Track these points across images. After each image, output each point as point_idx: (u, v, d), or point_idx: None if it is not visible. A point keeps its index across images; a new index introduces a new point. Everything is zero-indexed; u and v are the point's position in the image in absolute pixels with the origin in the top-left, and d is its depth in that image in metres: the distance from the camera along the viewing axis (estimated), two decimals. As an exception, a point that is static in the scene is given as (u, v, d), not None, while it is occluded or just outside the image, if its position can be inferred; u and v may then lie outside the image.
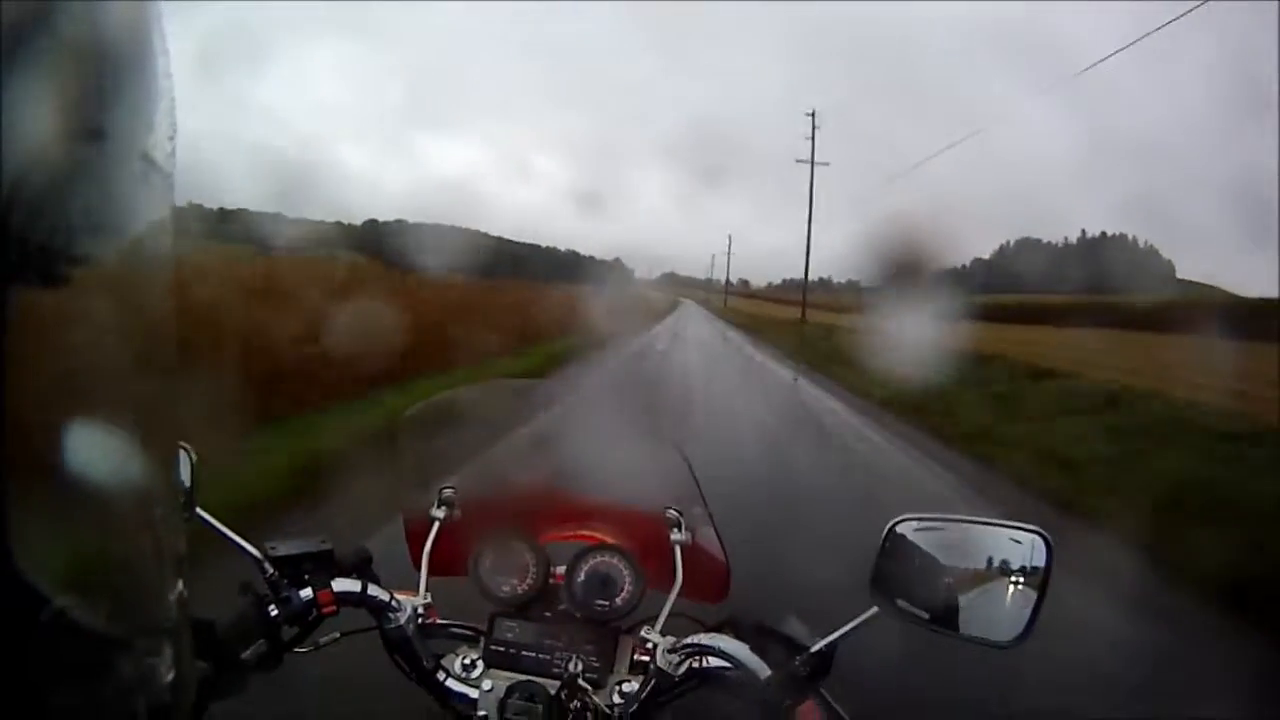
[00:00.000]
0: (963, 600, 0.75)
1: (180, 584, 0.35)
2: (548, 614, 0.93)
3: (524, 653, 0.90)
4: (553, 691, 0.83)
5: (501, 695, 0.84)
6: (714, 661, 0.81)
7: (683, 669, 0.82)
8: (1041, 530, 0.74)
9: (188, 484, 0.84)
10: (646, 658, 0.86)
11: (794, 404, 9.97)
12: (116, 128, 0.31)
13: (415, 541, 0.98)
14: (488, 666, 0.89)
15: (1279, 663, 2.76)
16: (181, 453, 0.84)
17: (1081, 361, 10.65)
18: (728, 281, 36.96)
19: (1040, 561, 0.74)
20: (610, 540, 0.99)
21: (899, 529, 0.77)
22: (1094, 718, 2.16)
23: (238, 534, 0.86)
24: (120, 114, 0.31)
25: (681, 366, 12.63)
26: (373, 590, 0.86)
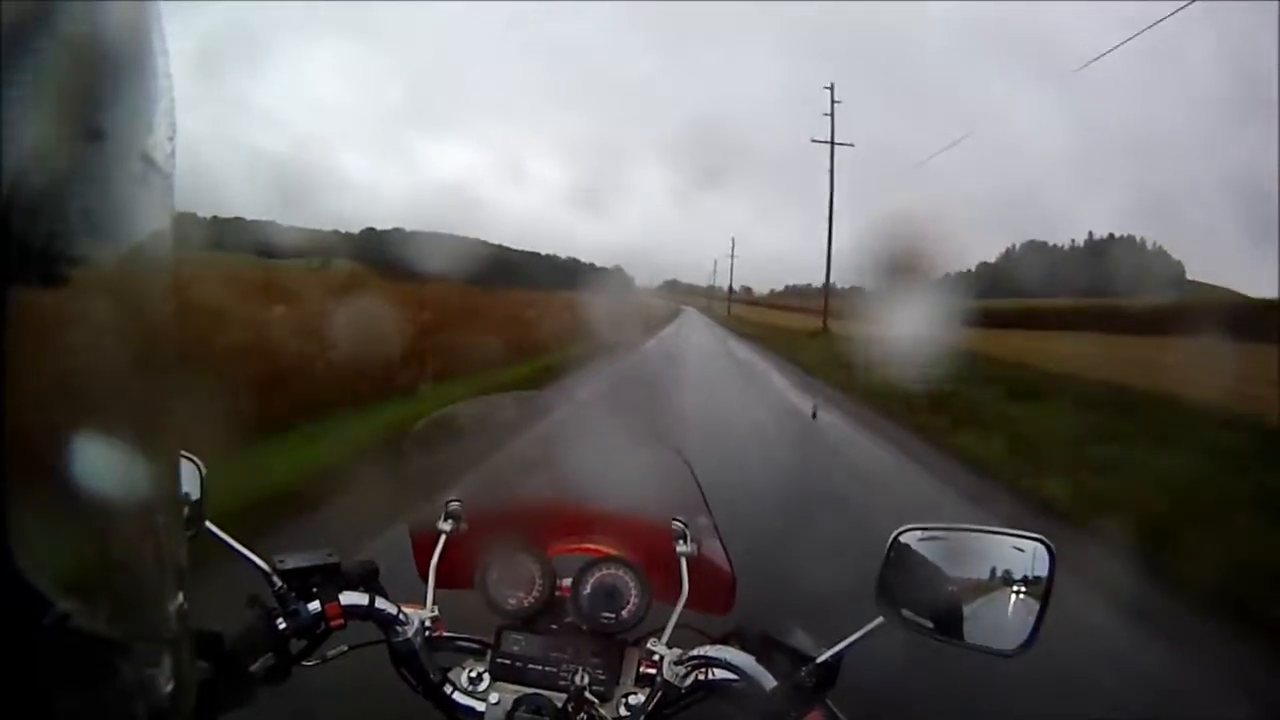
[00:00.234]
0: (967, 609, 0.75)
1: (181, 594, 0.35)
2: (554, 627, 0.93)
3: (530, 665, 0.90)
4: (559, 704, 0.83)
5: (508, 708, 0.84)
6: (720, 673, 0.81)
7: (689, 681, 0.82)
8: (1044, 539, 0.75)
9: (196, 497, 0.85)
10: (653, 670, 0.86)
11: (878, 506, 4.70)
12: (116, 128, 0.31)
13: (422, 554, 0.98)
14: (494, 679, 0.89)
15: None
16: (191, 465, 0.84)
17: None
18: (730, 289, 36.73)
19: (1043, 570, 0.74)
20: (616, 552, 0.99)
21: (903, 539, 0.78)
22: (1094, 718, 2.15)
23: (246, 547, 0.86)
24: (120, 114, 0.31)
25: (678, 406, 7.87)
26: (380, 603, 0.86)
